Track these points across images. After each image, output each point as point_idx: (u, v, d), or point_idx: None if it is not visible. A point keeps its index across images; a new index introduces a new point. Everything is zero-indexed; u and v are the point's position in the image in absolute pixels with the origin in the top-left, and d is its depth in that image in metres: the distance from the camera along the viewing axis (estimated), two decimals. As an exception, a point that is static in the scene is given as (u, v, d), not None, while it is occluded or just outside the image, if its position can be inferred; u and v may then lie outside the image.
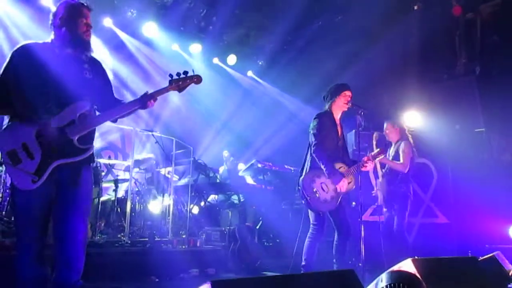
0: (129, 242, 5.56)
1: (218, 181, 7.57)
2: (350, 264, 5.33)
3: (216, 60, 9.83)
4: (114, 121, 2.95)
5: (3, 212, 5.39)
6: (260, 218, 6.75)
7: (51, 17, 2.84)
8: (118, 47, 8.31)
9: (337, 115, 4.51)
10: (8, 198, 5.65)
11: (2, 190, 5.50)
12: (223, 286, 1.71)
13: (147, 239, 5.67)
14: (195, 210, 6.97)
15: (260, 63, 10.13)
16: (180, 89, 2.90)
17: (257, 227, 6.52)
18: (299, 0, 7.86)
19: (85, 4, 2.86)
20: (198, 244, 6.13)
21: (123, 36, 8.24)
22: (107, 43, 7.94)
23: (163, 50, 8.88)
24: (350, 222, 4.34)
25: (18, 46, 2.74)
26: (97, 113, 2.87)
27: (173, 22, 8.22)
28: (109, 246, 5.31)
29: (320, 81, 7.40)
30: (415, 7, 8.11)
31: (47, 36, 2.82)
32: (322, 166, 4.26)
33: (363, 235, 4.14)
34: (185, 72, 2.88)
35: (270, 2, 8.11)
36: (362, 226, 4.17)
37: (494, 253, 3.07)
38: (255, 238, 6.30)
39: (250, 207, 6.81)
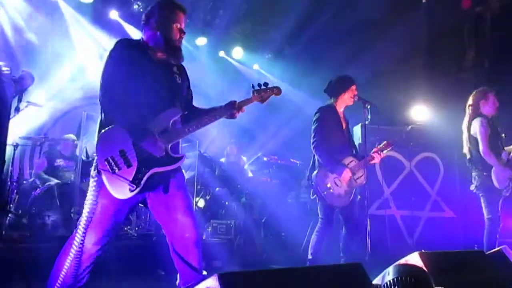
0: (136, 235, 5.59)
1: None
2: (357, 258, 5.33)
3: (222, 53, 9.79)
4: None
5: (11, 205, 5.42)
6: (266, 212, 6.75)
7: (144, 17, 2.76)
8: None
9: (341, 109, 4.47)
10: (15, 191, 5.68)
11: (9, 183, 5.50)
12: (230, 279, 1.70)
13: (153, 232, 5.69)
14: (201, 203, 6.97)
15: (267, 56, 10.08)
16: (262, 100, 2.96)
17: (263, 220, 6.52)
18: (306, -7, 7.81)
19: (181, 7, 2.76)
20: (204, 237, 6.15)
21: (129, 28, 8.22)
22: (114, 35, 7.93)
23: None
24: (358, 218, 4.33)
25: (115, 43, 2.63)
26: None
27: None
28: (116, 239, 5.31)
29: (327, 74, 7.29)
30: (423, 0, 8.03)
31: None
32: (322, 162, 4.24)
33: (369, 229, 4.13)
34: (266, 84, 2.97)
35: (277, -5, 8.07)
36: (369, 220, 4.16)
37: (501, 247, 3.04)
38: (261, 231, 6.31)
39: (256, 201, 6.80)
